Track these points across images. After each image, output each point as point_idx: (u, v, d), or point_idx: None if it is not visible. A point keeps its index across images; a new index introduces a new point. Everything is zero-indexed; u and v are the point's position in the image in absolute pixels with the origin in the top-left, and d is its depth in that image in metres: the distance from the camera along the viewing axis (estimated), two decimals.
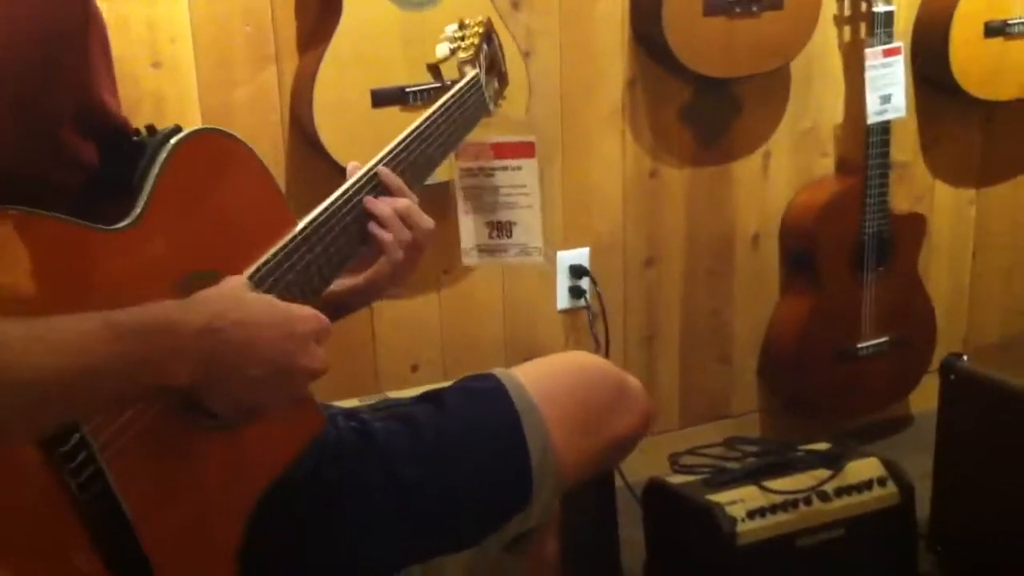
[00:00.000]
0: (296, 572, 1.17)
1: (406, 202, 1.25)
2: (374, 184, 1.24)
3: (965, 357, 2.18)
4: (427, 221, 1.26)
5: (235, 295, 0.97)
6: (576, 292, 2.48)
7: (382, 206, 1.22)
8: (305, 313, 1.00)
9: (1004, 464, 2.12)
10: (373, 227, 1.22)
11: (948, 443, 2.23)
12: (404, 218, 1.23)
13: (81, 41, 0.92)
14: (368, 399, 1.93)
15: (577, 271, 2.47)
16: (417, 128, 1.33)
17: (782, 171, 2.62)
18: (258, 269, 1.04)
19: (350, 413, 1.30)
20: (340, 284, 1.28)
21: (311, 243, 1.11)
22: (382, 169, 1.25)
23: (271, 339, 0.95)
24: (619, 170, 2.47)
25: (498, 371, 1.33)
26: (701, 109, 2.51)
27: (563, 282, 2.48)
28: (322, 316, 1.02)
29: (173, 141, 1.00)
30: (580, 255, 2.47)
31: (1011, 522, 2.11)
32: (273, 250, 1.07)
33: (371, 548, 1.20)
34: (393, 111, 2.04)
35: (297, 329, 0.98)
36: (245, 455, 1.06)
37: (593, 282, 2.47)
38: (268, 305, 0.99)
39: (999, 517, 2.14)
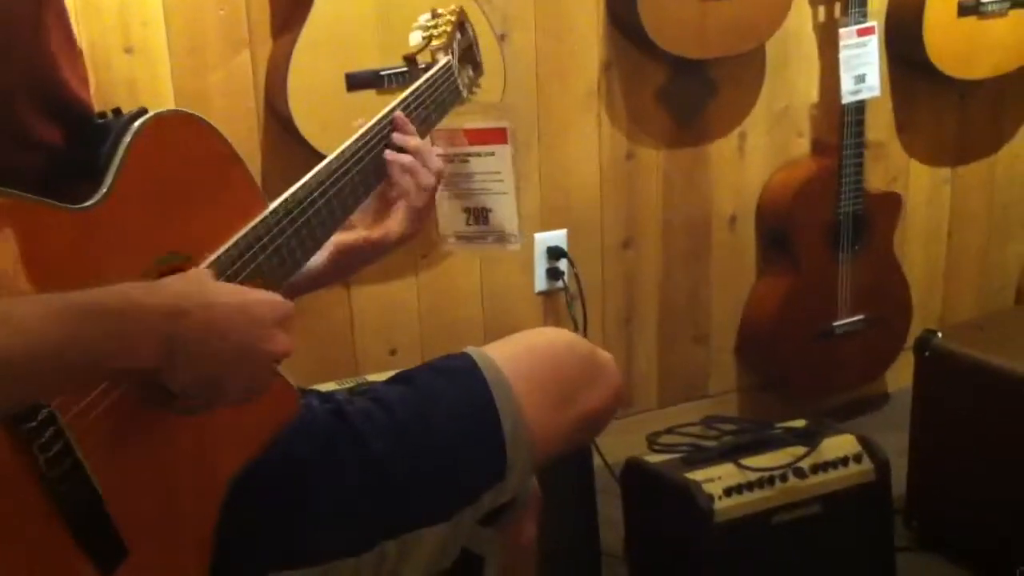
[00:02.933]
0: (272, 549, 1.18)
1: (419, 141, 1.34)
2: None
3: (939, 334, 2.21)
4: (437, 161, 1.35)
5: (199, 279, 0.97)
6: (554, 274, 2.49)
7: (407, 140, 1.32)
8: (268, 298, 1.00)
9: (978, 439, 2.14)
10: (395, 157, 1.31)
11: (923, 419, 2.25)
12: (421, 154, 1.33)
13: (33, 19, 0.93)
14: (346, 382, 1.94)
15: (555, 253, 2.47)
16: (390, 112, 1.35)
17: (758, 152, 2.63)
18: (226, 251, 1.04)
19: (325, 396, 1.31)
20: (356, 235, 1.33)
21: (282, 226, 1.11)
22: (399, 114, 1.33)
23: (235, 323, 0.95)
24: (595, 152, 2.48)
25: (470, 349, 1.34)
26: (677, 91, 2.51)
27: (541, 264, 2.48)
28: (285, 301, 1.02)
29: (139, 122, 1.00)
30: (558, 237, 2.48)
31: (985, 496, 2.14)
32: (241, 233, 1.07)
33: (346, 524, 1.20)
34: (369, 95, 2.04)
35: (260, 313, 0.98)
36: (218, 437, 1.06)
37: (571, 264, 2.48)
38: (231, 290, 0.99)
39: (974, 492, 2.16)
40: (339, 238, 1.31)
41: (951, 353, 2.17)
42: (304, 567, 1.19)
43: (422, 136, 1.40)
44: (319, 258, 1.28)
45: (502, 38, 2.25)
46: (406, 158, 1.32)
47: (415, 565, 1.25)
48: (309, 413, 1.23)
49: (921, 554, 2.22)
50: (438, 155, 1.51)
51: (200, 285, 0.96)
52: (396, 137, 1.32)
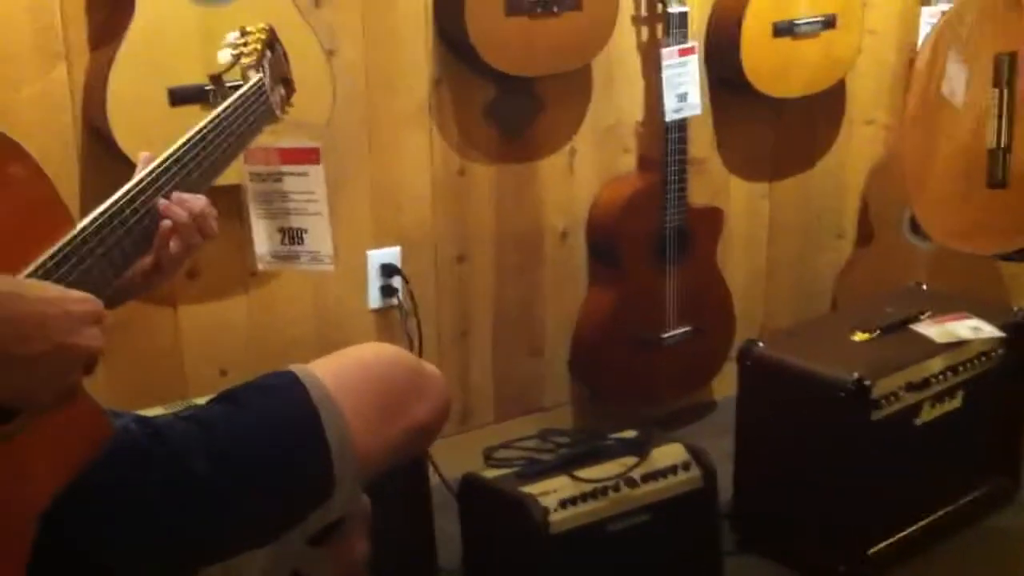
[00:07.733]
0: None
1: (204, 204, 1.26)
2: (161, 190, 1.23)
3: (760, 343, 2.29)
4: (214, 230, 1.29)
5: (4, 276, 0.94)
6: (387, 291, 2.48)
7: (178, 210, 1.23)
8: (78, 294, 0.98)
9: (797, 443, 2.23)
10: (167, 226, 1.23)
11: (747, 426, 2.33)
12: (199, 219, 1.25)
13: None
14: (173, 406, 1.87)
15: (388, 270, 2.46)
16: (200, 131, 1.32)
17: (587, 167, 2.69)
18: (33, 272, 1.00)
19: (143, 419, 1.26)
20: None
21: (91, 245, 1.08)
22: (163, 202, 1.24)
23: (46, 316, 0.93)
24: (427, 168, 2.48)
25: (293, 366, 1.32)
26: (505, 107, 2.54)
27: (374, 281, 2.47)
28: (97, 299, 0.99)
29: None
30: (390, 254, 2.47)
31: (806, 498, 2.23)
32: (48, 254, 1.03)
33: (166, 551, 1.17)
34: (193, 109, 1.98)
35: (72, 308, 0.95)
36: (26, 465, 1.01)
37: (404, 280, 2.48)
38: (40, 285, 0.97)
39: (795, 494, 2.25)
40: None
41: (771, 361, 2.25)
42: None
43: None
44: None
45: (331, 53, 2.23)
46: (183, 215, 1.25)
47: None
48: (126, 436, 1.19)
49: (747, 556, 2.30)
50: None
51: (5, 279, 0.93)
52: (163, 204, 1.23)
